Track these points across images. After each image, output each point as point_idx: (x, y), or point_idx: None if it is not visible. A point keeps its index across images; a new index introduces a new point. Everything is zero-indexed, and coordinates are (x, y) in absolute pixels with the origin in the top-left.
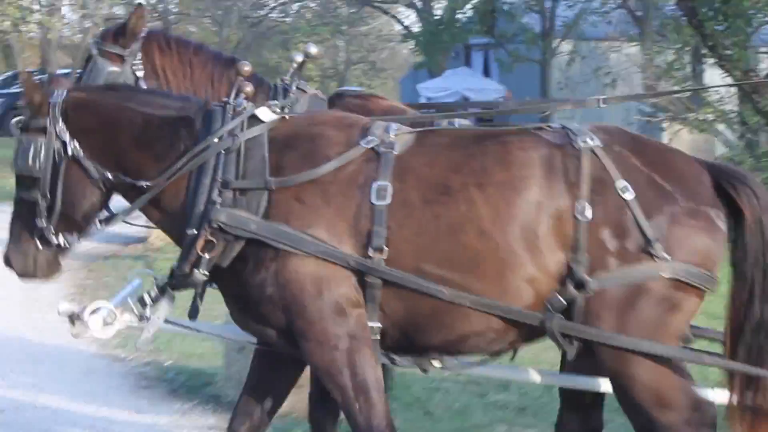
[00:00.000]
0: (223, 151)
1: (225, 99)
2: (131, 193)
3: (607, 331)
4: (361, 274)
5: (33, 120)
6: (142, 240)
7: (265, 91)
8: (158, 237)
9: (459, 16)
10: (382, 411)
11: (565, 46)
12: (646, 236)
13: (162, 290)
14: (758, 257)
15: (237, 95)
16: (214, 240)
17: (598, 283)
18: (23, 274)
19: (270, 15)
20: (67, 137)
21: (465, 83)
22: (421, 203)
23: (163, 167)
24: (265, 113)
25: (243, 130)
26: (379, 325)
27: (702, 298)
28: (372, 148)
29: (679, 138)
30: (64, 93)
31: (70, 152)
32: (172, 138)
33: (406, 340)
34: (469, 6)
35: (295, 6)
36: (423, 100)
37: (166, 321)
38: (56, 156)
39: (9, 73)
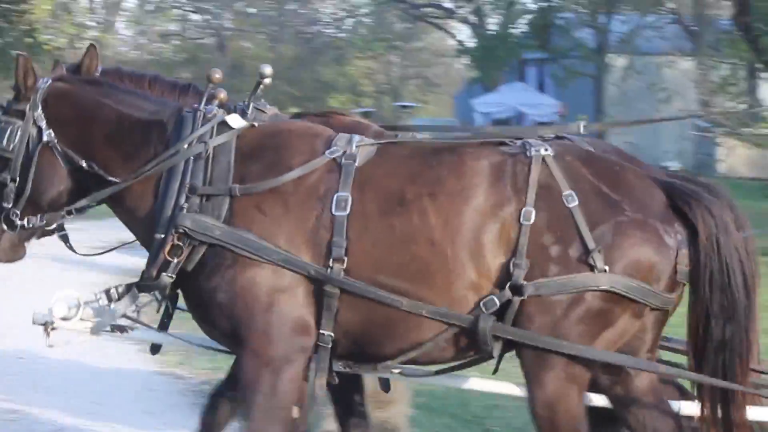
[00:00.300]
0: (192, 157)
1: (195, 105)
2: (100, 188)
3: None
4: (318, 285)
5: (14, 103)
6: None
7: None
8: None
9: (513, 30)
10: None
11: (620, 61)
12: (586, 246)
13: (128, 288)
14: (714, 276)
15: (209, 102)
16: (181, 244)
17: (534, 289)
18: None
19: (324, 30)
20: (43, 124)
21: (520, 98)
22: (378, 214)
23: (131, 167)
24: (235, 120)
25: (212, 137)
26: (331, 334)
27: (643, 313)
28: (334, 159)
29: (735, 153)
30: (48, 81)
31: (44, 138)
32: (143, 139)
33: (357, 350)
34: (523, 21)
35: (350, 21)
36: (478, 116)
37: (163, 332)
38: (30, 141)
39: None
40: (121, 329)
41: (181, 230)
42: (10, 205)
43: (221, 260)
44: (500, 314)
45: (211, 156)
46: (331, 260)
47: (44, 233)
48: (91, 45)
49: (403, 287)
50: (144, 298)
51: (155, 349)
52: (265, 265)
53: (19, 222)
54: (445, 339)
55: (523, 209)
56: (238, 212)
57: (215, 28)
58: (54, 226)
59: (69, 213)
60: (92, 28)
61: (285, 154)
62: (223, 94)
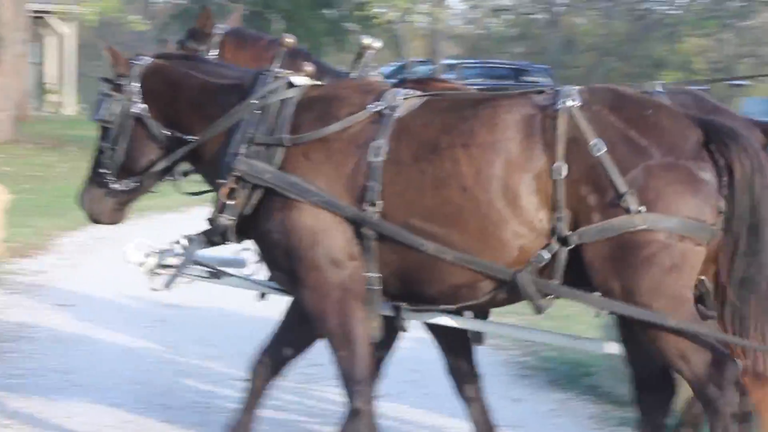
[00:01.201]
0: (257, 111)
1: (269, 68)
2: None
3: (598, 283)
4: (357, 227)
5: (115, 78)
6: None
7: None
8: None
9: None
10: (363, 363)
11: None
12: (618, 191)
13: (197, 237)
14: (745, 214)
15: (277, 64)
16: (238, 188)
17: (578, 237)
18: (90, 217)
19: (657, 8)
20: (137, 97)
21: None
22: (412, 161)
23: (209, 126)
24: (300, 80)
25: (276, 94)
26: (378, 275)
27: (698, 247)
28: (378, 111)
29: None
30: (149, 59)
31: (138, 110)
32: (225, 102)
33: (405, 290)
34: None
35: None
36: None
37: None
38: (126, 112)
39: (397, 64)
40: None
41: (237, 174)
42: (108, 171)
43: (273, 203)
44: (547, 267)
45: (273, 110)
46: (365, 203)
47: (140, 195)
48: (205, 8)
49: (434, 231)
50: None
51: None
52: (310, 206)
53: (115, 187)
54: (483, 286)
55: (554, 164)
56: (288, 159)
57: (548, 3)
58: (148, 188)
59: (158, 176)
60: (424, 1)
61: (334, 107)
62: (309, 68)
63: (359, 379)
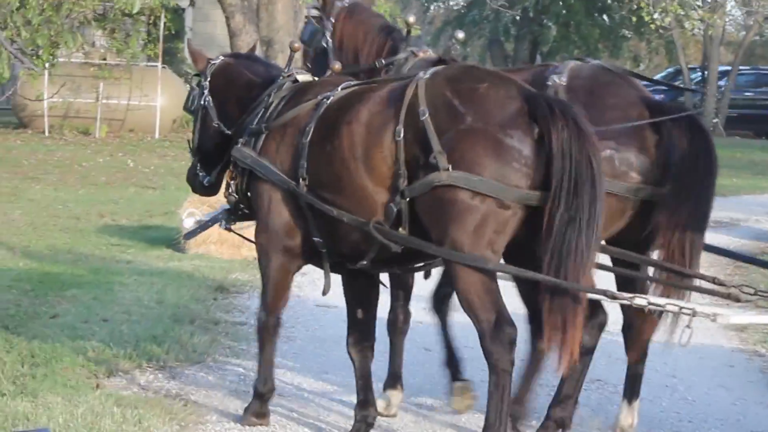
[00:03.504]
0: (262, 105)
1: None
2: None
3: (427, 233)
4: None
5: (198, 75)
6: None
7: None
8: None
9: None
10: (273, 298)
11: None
12: (433, 150)
13: (224, 209)
14: (561, 180)
15: (289, 65)
16: (236, 170)
17: (409, 192)
18: (191, 189)
19: None
20: (207, 91)
21: None
22: (321, 140)
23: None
24: (303, 77)
25: (279, 90)
26: (319, 239)
27: (503, 207)
28: (319, 100)
29: None
30: (219, 59)
31: (204, 103)
32: (256, 97)
33: (338, 250)
34: None
35: None
36: None
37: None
38: (200, 104)
39: (671, 69)
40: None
41: (232, 159)
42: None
43: (255, 182)
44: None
45: (273, 103)
46: (300, 179)
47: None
48: None
49: (334, 198)
50: None
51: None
52: (271, 183)
53: (198, 170)
54: (371, 240)
55: (397, 127)
56: (264, 144)
57: None
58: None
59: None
60: (700, 7)
61: (301, 98)
62: (297, 44)
63: (274, 309)
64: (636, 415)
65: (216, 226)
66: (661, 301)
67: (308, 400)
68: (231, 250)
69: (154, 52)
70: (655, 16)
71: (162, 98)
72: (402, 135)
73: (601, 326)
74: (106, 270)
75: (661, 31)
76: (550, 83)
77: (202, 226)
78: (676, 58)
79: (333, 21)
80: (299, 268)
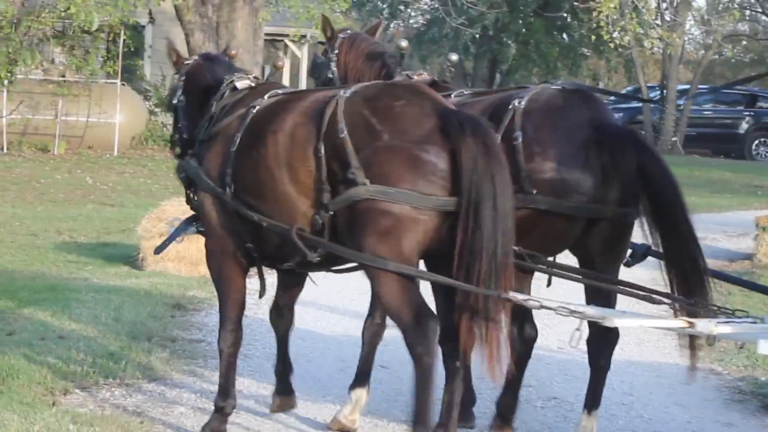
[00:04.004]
0: (209, 115)
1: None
2: None
3: (346, 242)
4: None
5: (175, 74)
6: (749, 257)
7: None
8: (766, 254)
9: None
10: (228, 302)
11: None
12: (352, 166)
13: (186, 220)
14: (468, 192)
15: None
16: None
17: (332, 206)
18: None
19: None
20: (180, 90)
21: None
22: (246, 148)
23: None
24: (242, 83)
25: (221, 99)
26: (250, 244)
27: (420, 214)
28: (247, 109)
29: None
30: (192, 60)
31: (176, 101)
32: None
33: (264, 253)
34: None
35: None
36: None
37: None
38: (173, 102)
39: (630, 87)
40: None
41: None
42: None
43: (198, 189)
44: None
45: (215, 113)
46: (226, 186)
47: None
48: (324, 17)
49: (256, 204)
50: None
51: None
52: (205, 192)
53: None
54: (292, 244)
55: (317, 144)
56: (201, 152)
57: None
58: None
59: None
60: (659, 26)
61: (235, 108)
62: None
63: (229, 316)
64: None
65: (174, 243)
66: (553, 304)
67: (266, 417)
68: (188, 268)
69: (114, 69)
70: (615, 34)
71: (121, 115)
72: (323, 151)
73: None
74: (64, 287)
75: (620, 49)
76: (510, 107)
77: (170, 238)
78: (636, 77)
79: (336, 52)
80: (245, 270)
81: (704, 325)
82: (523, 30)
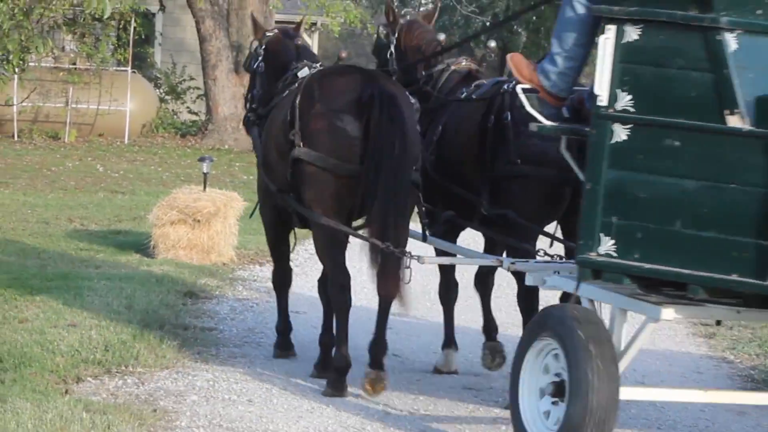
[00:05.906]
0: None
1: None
2: None
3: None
4: None
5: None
6: None
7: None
8: None
9: None
10: (279, 263)
11: None
12: (295, 128)
13: None
14: (375, 153)
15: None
16: None
17: (284, 166)
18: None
19: None
20: (261, 58)
21: None
22: (267, 128)
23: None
24: (303, 72)
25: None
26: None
27: (336, 177)
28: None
29: None
30: (270, 34)
31: (256, 67)
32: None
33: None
34: None
35: None
36: None
37: None
38: (255, 68)
39: None
40: None
41: None
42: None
43: None
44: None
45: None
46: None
47: None
48: (388, 3)
49: (269, 173)
50: None
51: None
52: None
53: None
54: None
55: (289, 110)
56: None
57: None
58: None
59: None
60: None
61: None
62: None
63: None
64: None
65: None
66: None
67: (278, 405)
68: (200, 256)
69: (124, 57)
70: None
71: (132, 103)
72: (288, 117)
73: None
74: (75, 275)
75: None
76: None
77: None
78: None
79: (396, 36)
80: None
81: (506, 263)
82: (534, 18)
